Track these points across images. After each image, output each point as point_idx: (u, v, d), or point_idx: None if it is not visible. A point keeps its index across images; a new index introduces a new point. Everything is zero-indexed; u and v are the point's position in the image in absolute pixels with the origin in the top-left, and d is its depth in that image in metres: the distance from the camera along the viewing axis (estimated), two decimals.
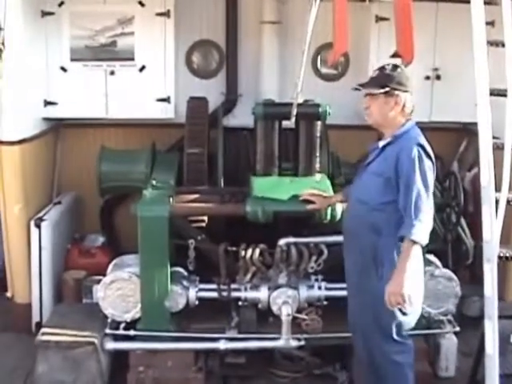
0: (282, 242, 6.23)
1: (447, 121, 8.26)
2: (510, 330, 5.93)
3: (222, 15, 8.35)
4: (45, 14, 7.77)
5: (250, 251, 6.24)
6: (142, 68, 7.94)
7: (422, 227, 4.83)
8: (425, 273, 5.40)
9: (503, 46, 5.28)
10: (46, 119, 8.03)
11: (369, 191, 5.17)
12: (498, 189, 5.06)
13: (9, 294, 7.61)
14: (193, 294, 6.36)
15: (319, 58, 8.41)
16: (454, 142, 8.68)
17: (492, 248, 5.03)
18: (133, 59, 7.93)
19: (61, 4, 7.76)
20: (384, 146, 5.19)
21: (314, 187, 6.30)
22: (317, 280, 6.42)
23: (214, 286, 6.39)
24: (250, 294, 6.37)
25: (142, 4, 7.80)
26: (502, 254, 5.28)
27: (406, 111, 5.16)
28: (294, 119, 6.42)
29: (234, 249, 6.32)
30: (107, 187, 7.72)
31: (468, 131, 8.28)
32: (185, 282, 6.38)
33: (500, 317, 5.07)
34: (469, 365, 6.17)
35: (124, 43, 7.89)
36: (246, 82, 8.46)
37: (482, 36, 5.09)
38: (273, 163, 6.81)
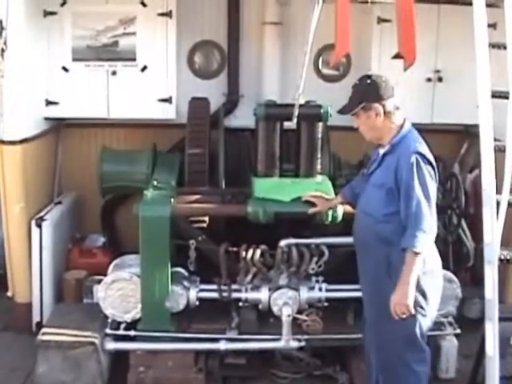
0: (283, 243, 6.23)
1: (449, 123, 8.26)
2: (510, 332, 5.92)
3: (223, 16, 8.35)
4: (47, 13, 7.78)
5: (250, 252, 6.23)
6: (144, 68, 7.94)
7: (424, 237, 4.84)
8: None
9: (505, 48, 5.30)
10: (48, 119, 8.04)
11: (372, 203, 5.19)
12: (498, 191, 5.06)
13: (9, 294, 7.60)
14: (193, 294, 6.35)
15: (321, 59, 8.41)
16: (455, 144, 8.67)
17: (493, 250, 5.05)
18: (134, 59, 7.93)
19: (63, 4, 7.77)
20: (384, 155, 5.19)
21: (316, 189, 6.29)
22: (317, 281, 6.41)
23: (214, 287, 6.39)
24: (251, 295, 6.36)
25: (143, 4, 7.80)
26: (502, 256, 5.27)
27: (392, 116, 5.14)
28: (295, 120, 6.42)
29: (235, 249, 6.32)
30: (108, 187, 7.73)
31: (469, 133, 8.28)
32: (185, 283, 6.38)
33: (500, 319, 5.09)
34: (469, 367, 6.17)
35: (126, 43, 7.89)
36: (248, 82, 8.46)
37: (484, 38, 5.10)
38: (274, 164, 6.80)
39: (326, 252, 6.29)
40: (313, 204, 6.06)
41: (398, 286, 4.87)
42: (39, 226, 7.35)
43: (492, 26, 5.95)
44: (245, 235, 6.35)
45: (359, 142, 5.57)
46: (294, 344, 6.27)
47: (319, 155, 6.85)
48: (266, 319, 6.47)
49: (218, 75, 8.57)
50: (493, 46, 5.40)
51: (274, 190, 6.41)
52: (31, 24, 7.41)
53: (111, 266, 6.62)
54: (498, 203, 5.08)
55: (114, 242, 8.55)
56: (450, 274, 6.40)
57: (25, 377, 6.54)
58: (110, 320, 6.40)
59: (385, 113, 5.10)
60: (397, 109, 5.16)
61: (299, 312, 6.35)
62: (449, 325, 6.49)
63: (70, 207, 8.29)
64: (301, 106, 6.31)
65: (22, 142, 7.19)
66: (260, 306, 6.38)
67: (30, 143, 7.39)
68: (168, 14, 7.83)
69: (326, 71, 8.54)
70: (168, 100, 8.02)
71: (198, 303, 6.38)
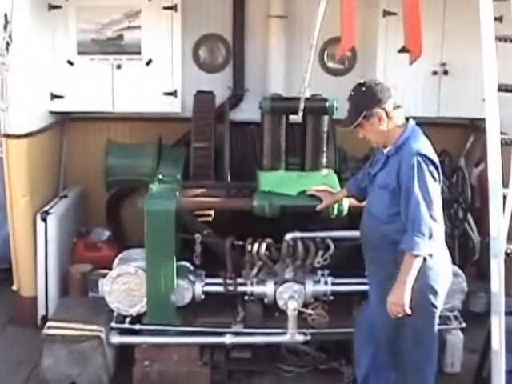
0: (288, 236, 6.22)
1: (454, 116, 8.23)
2: None
3: (229, 9, 8.34)
4: (52, 7, 7.78)
5: (256, 246, 6.23)
6: (149, 62, 7.93)
7: (422, 240, 4.82)
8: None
9: (511, 41, 5.27)
10: (53, 113, 8.04)
11: (378, 204, 5.19)
12: (505, 184, 5.05)
13: (15, 288, 7.62)
14: (199, 288, 6.35)
15: (326, 52, 8.39)
16: (461, 137, 8.65)
17: (499, 244, 5.04)
18: (139, 53, 7.92)
19: None
20: (388, 156, 5.17)
21: (322, 182, 6.28)
22: (323, 275, 6.40)
23: (220, 281, 6.39)
24: (256, 289, 6.36)
25: None
26: (509, 250, 5.25)
27: (394, 118, 5.12)
28: (301, 114, 6.39)
29: (241, 243, 6.31)
30: (113, 181, 7.73)
31: (475, 127, 8.27)
32: (191, 277, 6.38)
33: (507, 313, 5.08)
34: (475, 361, 6.16)
35: (131, 37, 7.88)
36: (253, 76, 8.45)
37: (491, 31, 5.08)
38: (280, 158, 6.79)
39: (332, 245, 6.28)
40: (318, 198, 6.05)
41: (395, 287, 4.89)
42: (44, 219, 7.36)
43: (498, 19, 5.91)
44: (250, 229, 6.35)
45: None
46: (300, 338, 6.27)
47: (325, 149, 6.83)
48: (271, 313, 6.47)
49: (224, 69, 8.56)
50: (499, 39, 5.37)
51: (279, 184, 6.40)
52: (36, 18, 7.40)
53: (116, 260, 6.61)
54: (504, 197, 5.07)
55: (119, 236, 8.55)
56: (455, 268, 6.37)
57: (30, 370, 6.56)
58: (115, 314, 6.40)
59: (387, 115, 5.09)
60: (397, 107, 5.13)
61: (305, 306, 6.35)
62: (454, 319, 6.48)
63: (75, 201, 8.30)
64: (306, 99, 6.29)
65: (27, 135, 7.19)
66: (265, 300, 6.38)
67: (35, 137, 7.39)
68: (173, 8, 7.82)
69: (331, 65, 8.51)
70: (173, 94, 8.01)
71: (203, 297, 6.38)
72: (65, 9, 7.80)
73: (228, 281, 6.36)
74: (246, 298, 6.39)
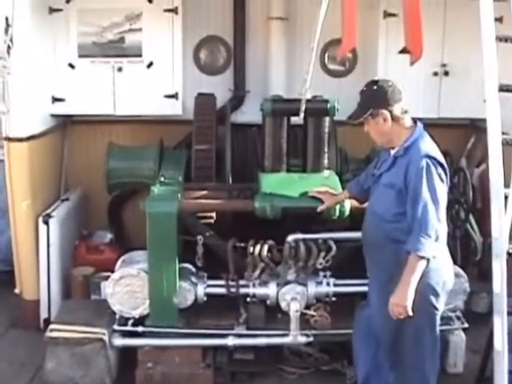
0: (290, 238, 6.23)
1: (455, 117, 8.24)
2: None
3: (229, 11, 8.35)
4: (53, 10, 7.79)
5: (258, 247, 6.24)
6: (150, 64, 7.94)
7: (428, 242, 4.80)
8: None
9: None
10: (54, 116, 8.05)
11: (383, 203, 5.17)
12: (506, 185, 5.05)
13: (17, 291, 7.61)
14: (201, 290, 6.36)
15: (327, 54, 8.40)
16: (462, 138, 8.66)
17: (501, 244, 5.05)
18: (140, 56, 7.93)
19: (68, 1, 7.77)
20: (395, 158, 5.15)
21: (323, 184, 6.28)
22: (325, 276, 6.41)
23: (222, 283, 6.39)
24: (259, 291, 6.36)
25: (149, 0, 7.80)
26: (510, 250, 5.26)
27: (401, 121, 5.11)
28: (302, 115, 6.40)
29: (243, 245, 6.31)
30: (115, 184, 7.74)
31: (476, 127, 8.28)
32: (193, 279, 6.39)
33: (509, 313, 5.09)
34: (477, 361, 6.18)
35: (132, 40, 7.89)
36: (254, 78, 8.46)
37: (491, 32, 5.09)
38: (281, 159, 6.80)
39: (334, 247, 6.28)
40: (319, 199, 6.06)
41: (398, 288, 4.86)
42: (46, 222, 7.35)
43: (498, 19, 5.91)
44: (252, 230, 6.35)
45: (366, 137, 5.56)
46: (302, 339, 6.27)
47: (326, 150, 6.84)
48: (273, 314, 6.47)
49: (225, 71, 8.57)
50: (500, 39, 5.37)
51: (281, 186, 6.40)
52: (37, 21, 7.41)
53: (119, 262, 6.63)
54: (505, 197, 5.07)
55: (122, 238, 8.56)
56: (457, 269, 6.38)
57: (33, 373, 6.56)
58: (117, 316, 6.40)
59: (392, 118, 5.07)
60: (405, 112, 5.11)
61: (307, 307, 6.35)
62: (457, 319, 6.47)
63: (76, 204, 8.31)
64: (308, 101, 6.31)
65: (28, 138, 7.19)
66: (268, 302, 6.38)
67: (37, 140, 7.39)
68: (174, 10, 7.83)
69: (331, 66, 8.52)
70: (174, 96, 8.01)
71: (205, 299, 6.39)
72: (66, 12, 7.80)
73: (230, 282, 6.36)
74: (249, 299, 6.39)
